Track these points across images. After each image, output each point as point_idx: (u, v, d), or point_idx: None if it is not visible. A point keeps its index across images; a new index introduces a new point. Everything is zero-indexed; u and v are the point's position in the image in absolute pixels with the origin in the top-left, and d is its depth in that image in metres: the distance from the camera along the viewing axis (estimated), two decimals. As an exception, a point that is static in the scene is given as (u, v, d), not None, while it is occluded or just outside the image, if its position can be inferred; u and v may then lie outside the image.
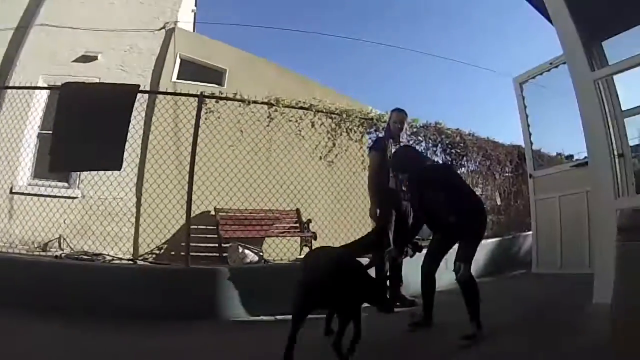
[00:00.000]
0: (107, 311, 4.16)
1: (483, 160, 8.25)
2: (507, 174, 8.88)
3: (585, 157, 5.88)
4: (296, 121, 6.02)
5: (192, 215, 5.26)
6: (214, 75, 8.80)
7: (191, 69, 8.54)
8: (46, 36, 8.00)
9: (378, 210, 4.87)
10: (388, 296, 4.57)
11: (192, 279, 4.73)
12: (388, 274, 4.74)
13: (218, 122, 5.68)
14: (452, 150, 7.49)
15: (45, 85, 6.91)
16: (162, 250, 6.83)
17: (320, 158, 6.41)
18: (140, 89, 5.27)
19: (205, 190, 6.10)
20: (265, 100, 5.74)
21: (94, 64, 7.89)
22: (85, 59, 7.90)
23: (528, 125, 6.70)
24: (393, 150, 4.89)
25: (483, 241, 6.49)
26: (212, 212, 7.09)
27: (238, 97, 5.59)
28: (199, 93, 5.40)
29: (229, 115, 5.75)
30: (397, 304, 4.67)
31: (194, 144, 5.08)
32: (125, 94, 5.12)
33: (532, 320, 4.02)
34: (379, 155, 4.96)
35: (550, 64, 6.21)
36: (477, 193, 6.37)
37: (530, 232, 7.54)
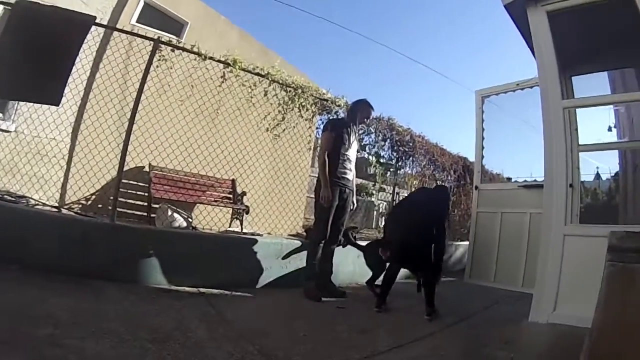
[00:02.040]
0: (21, 258, 4.04)
1: (428, 164, 8.72)
2: (449, 183, 9.41)
3: (526, 181, 6.41)
4: (250, 87, 6.09)
5: (126, 168, 5.35)
6: (174, 26, 8.77)
7: (152, 15, 8.41)
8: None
9: (322, 192, 4.98)
10: (315, 285, 4.95)
11: (116, 237, 4.62)
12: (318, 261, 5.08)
13: (169, 73, 5.72)
14: (400, 148, 7.84)
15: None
16: (90, 201, 6.78)
17: (267, 130, 6.55)
18: (97, 22, 5.18)
19: (143, 143, 6.17)
20: (222, 59, 5.77)
21: (53, -10, 7.64)
22: (46, -17, 7.66)
23: (482, 138, 7.15)
24: (352, 140, 5.29)
25: None
26: (146, 168, 7.06)
27: (195, 50, 5.60)
28: (155, 37, 5.44)
29: (182, 67, 5.78)
30: (325, 293, 4.96)
31: (140, 91, 5.11)
32: (80, 24, 5.02)
33: (469, 328, 4.36)
34: (332, 137, 5.14)
35: (517, 85, 6.73)
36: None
37: (461, 243, 8.29)
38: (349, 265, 5.95)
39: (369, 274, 5.42)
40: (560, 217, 4.33)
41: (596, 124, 5.48)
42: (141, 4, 8.22)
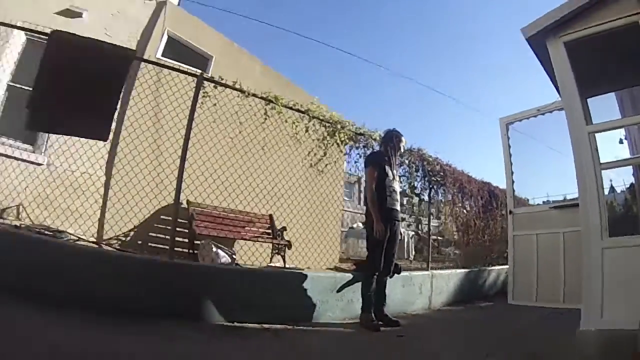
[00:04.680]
0: (77, 299, 3.93)
1: (457, 192, 8.86)
2: (477, 209, 9.61)
3: (557, 201, 6.64)
4: (293, 123, 6.10)
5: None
6: (199, 60, 8.78)
7: (176, 49, 8.46)
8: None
9: (375, 226, 5.04)
10: (373, 315, 5.05)
11: (175, 275, 4.57)
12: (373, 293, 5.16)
13: (215, 110, 5.76)
14: (432, 178, 7.89)
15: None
16: (129, 238, 6.72)
17: (311, 165, 6.58)
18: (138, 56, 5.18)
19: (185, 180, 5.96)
20: (264, 96, 5.78)
21: (78, 21, 7.53)
22: (70, 13, 7.57)
23: (511, 164, 7.38)
24: (394, 171, 5.44)
25: (452, 271, 7.49)
26: (184, 205, 6.83)
27: (237, 86, 5.60)
28: (198, 73, 5.42)
29: (227, 104, 5.82)
30: (381, 323, 5.05)
31: (189, 128, 5.07)
32: (122, 58, 4.97)
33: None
34: (376, 170, 5.22)
35: (538, 110, 7.03)
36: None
37: (494, 268, 8.54)
38: (397, 295, 6.02)
39: (415, 303, 5.61)
40: (596, 233, 4.58)
41: (606, 138, 5.81)
42: (165, 38, 8.30)
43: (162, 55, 8.06)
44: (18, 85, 6.76)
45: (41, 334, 3.16)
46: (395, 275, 5.60)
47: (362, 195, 26.72)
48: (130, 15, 8.14)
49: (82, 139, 5.77)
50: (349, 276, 5.63)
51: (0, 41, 6.55)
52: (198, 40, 8.91)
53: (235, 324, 4.47)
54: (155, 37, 8.11)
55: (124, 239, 6.70)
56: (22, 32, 6.72)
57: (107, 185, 6.88)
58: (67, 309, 3.71)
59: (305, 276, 5.28)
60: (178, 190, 5.09)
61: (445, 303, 7.03)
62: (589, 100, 5.92)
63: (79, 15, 7.68)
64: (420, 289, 6.52)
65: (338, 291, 5.44)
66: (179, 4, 9.43)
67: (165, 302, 4.33)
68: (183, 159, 5.08)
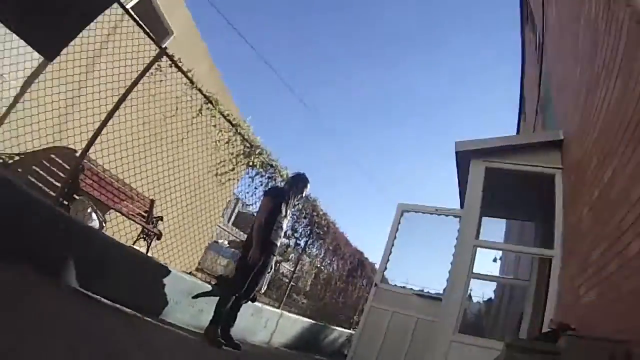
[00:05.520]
0: None
1: (332, 249, 9.40)
2: (344, 271, 10.24)
3: (421, 290, 7.30)
4: (220, 131, 6.34)
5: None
6: (159, 30, 8.61)
7: (144, 9, 8.17)
8: None
9: (252, 251, 5.26)
10: (219, 333, 5.20)
11: (51, 222, 4.06)
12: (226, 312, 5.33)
13: (161, 84, 5.80)
14: (316, 230, 8.35)
15: None
16: (11, 162, 6.16)
17: (216, 175, 6.82)
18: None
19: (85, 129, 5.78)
20: (208, 94, 6.01)
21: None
22: None
23: (392, 245, 7.87)
24: (288, 211, 5.78)
25: (299, 317, 7.88)
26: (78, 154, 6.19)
27: (190, 75, 5.80)
28: (162, 46, 5.59)
29: (171, 84, 5.88)
30: (224, 341, 5.19)
31: (130, 89, 5.23)
32: None
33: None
34: (273, 203, 5.54)
35: (436, 209, 7.71)
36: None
37: (337, 328, 9.04)
38: (243, 322, 6.13)
39: (257, 334, 6.06)
40: (450, 327, 5.48)
41: (483, 253, 6.70)
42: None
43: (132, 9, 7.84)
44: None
45: None
46: (249, 302, 5.83)
47: (234, 216, 27.22)
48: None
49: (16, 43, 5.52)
50: (209, 287, 5.78)
51: None
52: (169, 11, 8.85)
53: (90, 293, 4.24)
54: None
55: (6, 159, 6.24)
56: None
57: (16, 99, 6.49)
58: None
59: (169, 272, 5.24)
60: (92, 140, 5.05)
61: (284, 345, 7.34)
62: (484, 218, 6.89)
63: None
64: (266, 324, 6.79)
65: (194, 297, 5.53)
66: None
67: (28, 247, 3.86)
68: (111, 114, 5.10)
